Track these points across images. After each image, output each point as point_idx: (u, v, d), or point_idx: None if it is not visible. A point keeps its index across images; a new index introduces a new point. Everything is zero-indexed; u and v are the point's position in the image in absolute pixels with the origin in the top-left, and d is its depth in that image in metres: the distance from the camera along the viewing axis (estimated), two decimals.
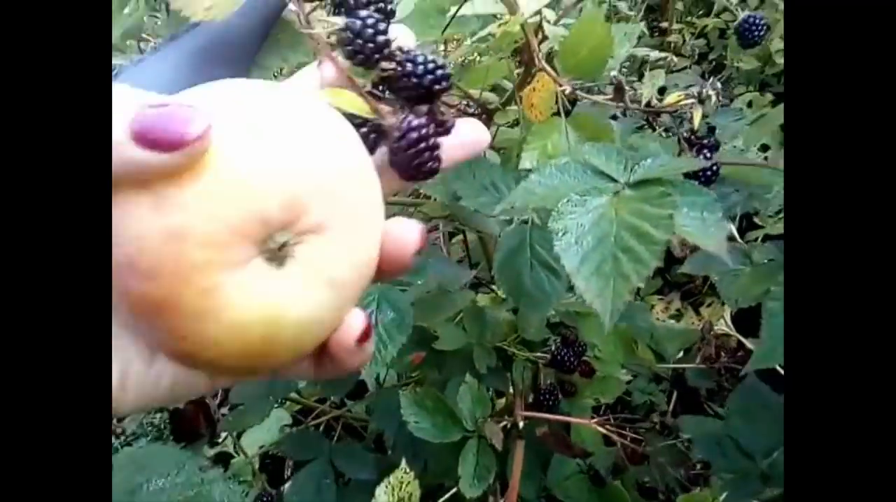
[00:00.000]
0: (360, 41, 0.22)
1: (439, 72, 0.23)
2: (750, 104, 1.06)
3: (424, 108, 0.23)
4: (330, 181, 0.19)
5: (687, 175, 0.35)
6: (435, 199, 0.52)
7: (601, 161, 0.35)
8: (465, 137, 0.24)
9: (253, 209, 0.17)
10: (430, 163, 0.23)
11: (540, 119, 0.39)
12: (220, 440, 0.78)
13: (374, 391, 0.68)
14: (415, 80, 0.23)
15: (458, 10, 0.37)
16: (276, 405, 0.64)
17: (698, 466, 0.61)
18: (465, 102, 0.52)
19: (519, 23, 0.35)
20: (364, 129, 0.22)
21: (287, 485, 0.64)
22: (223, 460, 0.74)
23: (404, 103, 0.23)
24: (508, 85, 0.50)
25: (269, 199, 0.18)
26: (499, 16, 0.38)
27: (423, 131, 0.22)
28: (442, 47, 0.44)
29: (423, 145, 0.22)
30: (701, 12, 1.23)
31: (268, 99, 0.19)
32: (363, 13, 0.22)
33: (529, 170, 0.37)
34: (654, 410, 0.78)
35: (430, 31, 0.44)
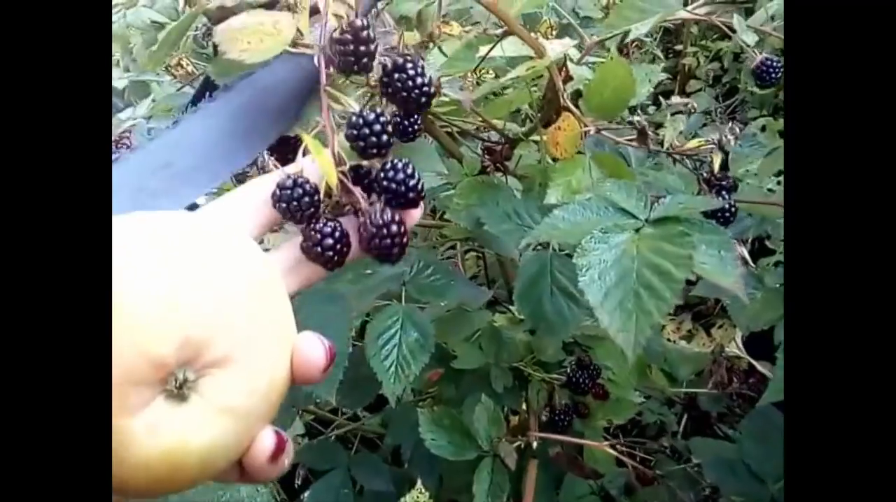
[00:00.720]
0: (366, 130, 0.24)
1: (418, 186, 0.25)
2: (763, 129, 1.07)
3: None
4: (230, 315, 0.19)
5: (705, 214, 0.37)
6: (457, 224, 0.54)
7: (622, 198, 0.37)
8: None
9: (146, 356, 0.18)
10: (395, 251, 0.25)
11: (565, 157, 0.40)
12: None
13: (392, 406, 0.69)
14: (396, 187, 0.25)
15: (488, 52, 0.39)
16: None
17: (707, 489, 0.62)
18: (487, 131, 0.54)
19: (545, 65, 0.37)
20: (319, 203, 0.24)
21: (306, 494, 0.65)
22: None
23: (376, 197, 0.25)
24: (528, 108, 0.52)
25: (163, 344, 0.18)
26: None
27: (402, 228, 0.25)
28: (468, 80, 0.46)
29: (397, 239, 0.24)
30: (716, 36, 1.24)
31: (168, 239, 0.20)
32: (378, 109, 0.24)
33: (554, 205, 0.38)
34: (665, 431, 0.79)
35: (458, 66, 0.46)
